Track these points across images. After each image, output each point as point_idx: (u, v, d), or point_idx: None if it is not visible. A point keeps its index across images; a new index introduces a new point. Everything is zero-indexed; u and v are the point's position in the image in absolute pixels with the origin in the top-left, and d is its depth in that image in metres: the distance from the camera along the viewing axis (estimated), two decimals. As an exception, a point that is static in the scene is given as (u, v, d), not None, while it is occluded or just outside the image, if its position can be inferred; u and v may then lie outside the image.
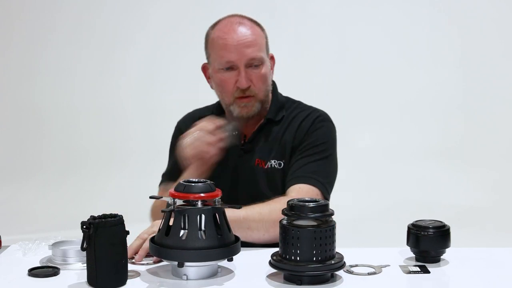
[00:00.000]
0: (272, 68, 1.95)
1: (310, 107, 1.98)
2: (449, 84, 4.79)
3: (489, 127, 4.72)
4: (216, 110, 2.01)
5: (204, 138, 1.75)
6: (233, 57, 1.84)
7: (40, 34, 4.96)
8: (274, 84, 1.98)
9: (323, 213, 1.41)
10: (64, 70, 4.95)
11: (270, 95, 1.95)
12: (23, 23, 4.96)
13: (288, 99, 2.01)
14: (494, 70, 4.76)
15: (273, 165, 1.90)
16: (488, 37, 4.77)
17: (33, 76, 4.97)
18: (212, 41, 1.89)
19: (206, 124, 1.78)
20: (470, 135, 4.71)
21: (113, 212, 1.42)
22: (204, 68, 1.97)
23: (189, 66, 4.79)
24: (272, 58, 1.95)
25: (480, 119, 4.75)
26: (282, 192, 1.83)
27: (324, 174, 1.84)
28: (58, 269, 1.51)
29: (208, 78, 1.97)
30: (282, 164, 1.90)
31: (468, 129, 4.73)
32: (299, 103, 2.00)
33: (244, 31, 1.86)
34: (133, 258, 1.58)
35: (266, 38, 1.93)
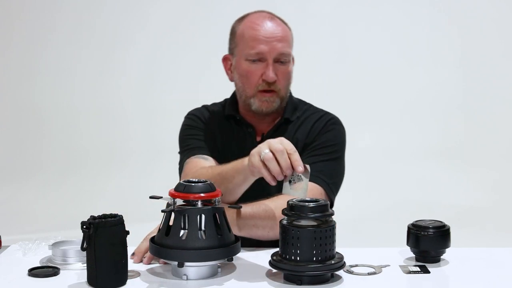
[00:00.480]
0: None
1: (322, 110, 2.00)
2: (449, 84, 4.79)
3: (489, 127, 4.72)
4: (228, 106, 1.98)
5: (268, 163, 1.52)
6: (264, 49, 1.84)
7: (40, 34, 4.96)
8: None
9: (323, 213, 1.41)
10: (64, 70, 4.95)
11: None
12: (23, 23, 4.96)
13: (300, 101, 2.02)
14: (494, 70, 4.76)
15: None
16: (488, 37, 4.78)
17: (33, 76, 4.97)
18: (242, 31, 1.89)
19: (279, 150, 1.52)
20: (470, 135, 4.71)
21: (113, 212, 1.42)
22: (226, 59, 1.96)
23: (189, 66, 4.85)
24: (293, 59, 1.95)
25: (480, 119, 4.75)
26: None
27: (330, 174, 1.84)
28: (58, 269, 1.51)
29: (228, 69, 1.96)
30: None
31: (468, 129, 4.73)
32: (310, 105, 2.02)
33: (275, 26, 1.88)
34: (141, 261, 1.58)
35: (292, 37, 1.93)
